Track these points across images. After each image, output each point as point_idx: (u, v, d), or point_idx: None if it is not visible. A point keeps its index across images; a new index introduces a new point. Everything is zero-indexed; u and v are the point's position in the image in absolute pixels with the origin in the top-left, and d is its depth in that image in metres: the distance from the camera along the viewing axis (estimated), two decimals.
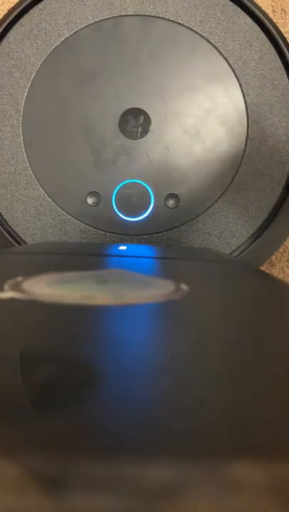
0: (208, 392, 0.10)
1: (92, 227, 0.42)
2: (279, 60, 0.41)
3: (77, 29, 0.41)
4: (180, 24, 0.41)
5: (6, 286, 0.17)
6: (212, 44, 0.41)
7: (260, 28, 0.41)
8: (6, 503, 0.06)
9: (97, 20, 0.41)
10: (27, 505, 0.06)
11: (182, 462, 0.07)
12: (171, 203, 0.42)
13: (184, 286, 0.19)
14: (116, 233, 0.42)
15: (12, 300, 0.16)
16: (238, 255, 0.42)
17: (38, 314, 0.15)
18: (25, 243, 0.42)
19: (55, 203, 0.42)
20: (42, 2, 0.41)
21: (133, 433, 0.08)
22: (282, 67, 0.41)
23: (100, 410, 0.08)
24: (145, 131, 0.42)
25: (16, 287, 0.17)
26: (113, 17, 0.41)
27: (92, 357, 0.12)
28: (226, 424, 0.08)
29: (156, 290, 0.19)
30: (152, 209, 0.42)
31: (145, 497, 0.06)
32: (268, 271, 0.48)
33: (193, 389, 0.10)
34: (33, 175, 0.42)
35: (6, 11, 0.42)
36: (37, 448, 0.07)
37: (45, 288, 0.17)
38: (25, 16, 0.42)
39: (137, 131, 0.42)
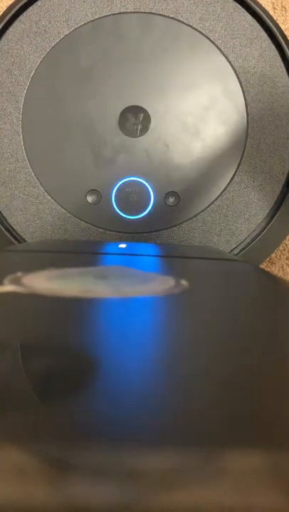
0: (206, 382, 0.10)
1: (91, 225, 0.42)
2: (279, 58, 0.41)
3: (76, 26, 0.41)
4: (180, 21, 0.41)
5: (5, 281, 0.17)
6: (212, 41, 0.41)
7: (261, 25, 0.41)
8: (8, 491, 0.06)
9: (96, 17, 0.41)
10: (29, 493, 0.06)
11: (182, 451, 0.07)
12: (171, 201, 0.42)
13: (183, 283, 0.19)
14: (116, 231, 0.42)
15: (12, 293, 0.16)
16: (238, 253, 0.42)
17: (38, 307, 0.15)
18: (25, 241, 0.42)
19: (54, 201, 0.42)
20: None
21: (133, 422, 0.08)
22: (283, 65, 0.41)
23: (100, 399, 0.08)
24: (145, 128, 0.42)
25: (15, 282, 0.17)
26: (113, 14, 0.41)
27: (92, 347, 0.12)
28: (225, 413, 0.08)
29: (156, 286, 0.19)
30: (152, 207, 0.42)
31: (145, 484, 0.06)
32: (267, 269, 0.48)
33: (192, 379, 0.10)
34: (32, 173, 0.42)
35: (4, 8, 0.42)
36: (39, 437, 0.07)
37: (44, 282, 0.17)
38: (24, 13, 0.41)
39: (137, 129, 0.42)
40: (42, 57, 0.41)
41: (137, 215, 0.42)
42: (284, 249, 0.48)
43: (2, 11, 0.42)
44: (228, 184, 0.42)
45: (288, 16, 0.49)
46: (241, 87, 0.41)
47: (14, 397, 0.08)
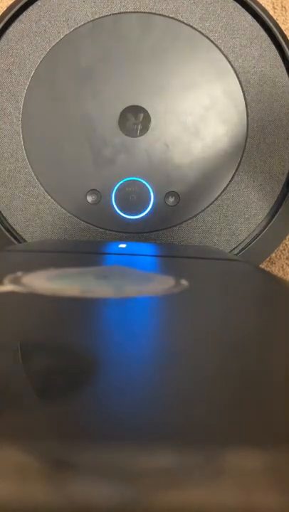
0: (206, 382, 0.10)
1: (91, 225, 0.42)
2: (279, 58, 0.41)
3: (76, 26, 0.41)
4: (180, 21, 0.41)
5: (5, 281, 0.17)
6: (212, 41, 0.41)
7: (261, 25, 0.41)
8: (7, 490, 0.06)
9: (96, 17, 0.41)
10: (28, 492, 0.06)
11: (182, 450, 0.07)
12: (170, 200, 0.42)
13: (183, 283, 0.19)
14: (115, 231, 0.42)
15: (12, 293, 0.16)
16: (238, 253, 0.42)
17: (38, 307, 0.15)
18: (25, 241, 0.42)
19: (54, 200, 0.42)
20: None
21: (132, 421, 0.08)
22: (283, 65, 0.41)
23: (101, 399, 0.08)
24: (145, 128, 0.42)
25: (15, 282, 0.17)
26: (113, 14, 0.41)
27: (92, 347, 0.12)
28: (225, 412, 0.08)
29: (156, 286, 0.19)
30: (152, 207, 0.42)
31: (145, 484, 0.06)
32: (267, 269, 0.48)
33: (192, 379, 0.10)
34: (32, 173, 0.42)
35: (4, 8, 0.42)
36: (39, 436, 0.07)
37: (44, 282, 0.17)
38: (24, 13, 0.41)
39: (137, 129, 0.42)
40: (42, 57, 0.41)
41: (137, 214, 0.42)
42: (284, 249, 0.48)
43: (2, 11, 0.42)
44: (228, 184, 0.42)
45: (288, 16, 0.49)
46: (241, 87, 0.41)
47: (14, 397, 0.08)
